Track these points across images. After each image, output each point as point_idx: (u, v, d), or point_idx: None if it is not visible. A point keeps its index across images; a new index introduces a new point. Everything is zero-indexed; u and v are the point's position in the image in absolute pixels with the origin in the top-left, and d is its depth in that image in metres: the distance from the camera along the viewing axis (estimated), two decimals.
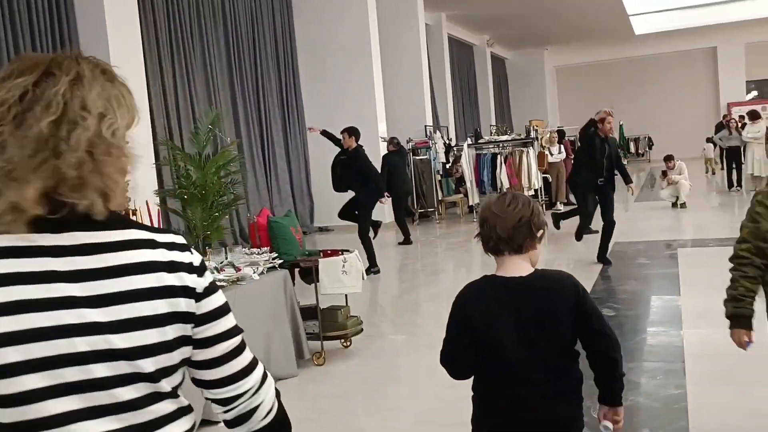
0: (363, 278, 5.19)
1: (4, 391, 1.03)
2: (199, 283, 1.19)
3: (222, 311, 1.23)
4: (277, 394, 1.31)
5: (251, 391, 1.25)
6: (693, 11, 22.12)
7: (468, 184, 13.69)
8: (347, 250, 5.24)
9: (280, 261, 4.93)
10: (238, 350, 1.24)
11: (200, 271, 1.20)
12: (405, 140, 14.42)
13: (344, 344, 5.33)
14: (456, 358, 2.17)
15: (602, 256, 8.13)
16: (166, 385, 1.15)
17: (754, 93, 28.65)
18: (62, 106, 1.06)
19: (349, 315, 5.29)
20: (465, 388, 4.44)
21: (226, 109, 11.27)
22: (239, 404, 1.24)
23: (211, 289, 1.21)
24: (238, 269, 4.57)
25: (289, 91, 13.25)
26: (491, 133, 17.78)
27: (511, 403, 2.05)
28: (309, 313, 5.10)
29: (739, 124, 15.88)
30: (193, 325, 1.18)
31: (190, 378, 1.24)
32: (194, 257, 1.21)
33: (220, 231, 5.33)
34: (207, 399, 1.26)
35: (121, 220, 1.15)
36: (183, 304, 1.16)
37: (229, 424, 1.27)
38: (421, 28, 15.48)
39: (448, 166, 14.97)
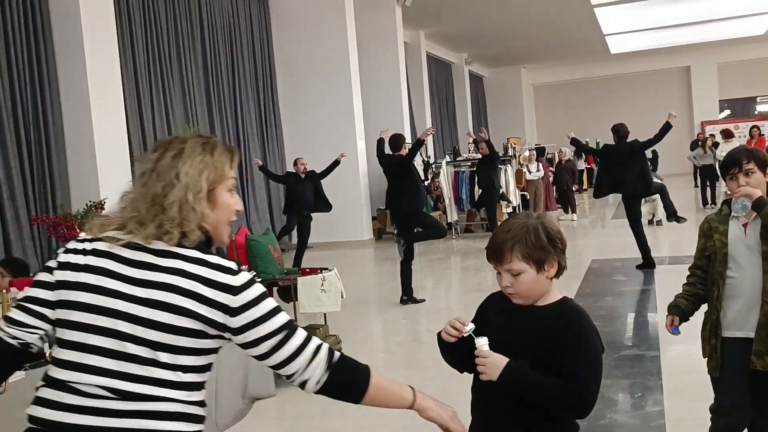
0: (342, 297, 5.17)
1: (68, 338, 1.64)
2: (232, 300, 1.63)
3: (260, 320, 1.66)
4: (338, 361, 1.74)
5: (299, 372, 1.70)
6: (667, 31, 22.50)
7: (446, 202, 13.74)
8: (326, 269, 5.22)
9: (259, 279, 4.90)
10: (279, 346, 1.69)
11: (236, 291, 1.63)
12: None
13: None
14: None
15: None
16: (164, 357, 1.61)
17: (727, 112, 29.15)
18: (165, 175, 1.66)
19: (327, 334, 5.26)
20: None
21: (203, 125, 11.23)
22: (293, 379, 1.72)
23: (247, 306, 1.64)
24: None
25: (268, 108, 13.24)
26: (469, 150, 17.87)
27: None
28: None
29: (712, 143, 16.13)
30: (229, 333, 1.66)
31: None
32: (235, 279, 1.65)
33: None
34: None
35: (196, 248, 1.67)
36: (212, 313, 1.62)
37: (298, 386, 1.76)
38: (399, 46, 15.59)
39: (426, 183, 15.01)
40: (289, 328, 1.71)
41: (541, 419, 1.88)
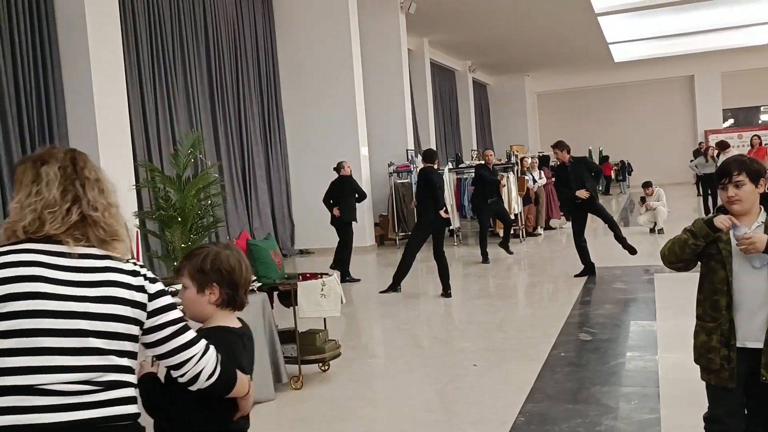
0: (342, 302, 5.20)
1: (18, 346, 1.71)
2: (150, 288, 1.88)
3: (169, 307, 1.90)
4: (227, 366, 1.97)
5: (195, 358, 1.90)
6: (671, 40, 22.56)
7: (449, 209, 13.75)
8: (326, 274, 5.25)
9: (259, 284, 4.94)
10: (181, 331, 1.91)
11: (153, 281, 1.90)
12: (386, 164, 14.52)
13: (322, 368, 5.32)
14: None
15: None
16: (118, 345, 1.81)
17: (731, 121, 29.16)
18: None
19: (327, 339, 5.29)
20: (441, 412, 4.47)
21: (207, 131, 11.28)
22: (188, 368, 1.89)
23: (160, 293, 1.90)
24: None
25: (271, 115, 13.30)
26: (472, 158, 17.91)
27: None
28: (287, 336, 5.10)
29: (716, 152, 16.14)
30: (145, 316, 1.86)
31: (152, 356, 1.96)
32: (148, 272, 1.91)
33: None
34: (166, 368, 1.94)
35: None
36: (139, 297, 1.85)
37: (185, 384, 1.93)
38: (403, 53, 15.65)
39: None
40: (185, 320, 1.96)
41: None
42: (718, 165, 2.99)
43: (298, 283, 5.00)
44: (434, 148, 9.27)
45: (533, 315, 7.16)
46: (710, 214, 2.88)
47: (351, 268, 9.97)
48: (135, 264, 1.91)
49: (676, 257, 2.88)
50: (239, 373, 2.03)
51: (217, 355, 1.95)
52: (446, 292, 8.20)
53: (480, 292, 8.70)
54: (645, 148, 28.38)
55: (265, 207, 12.84)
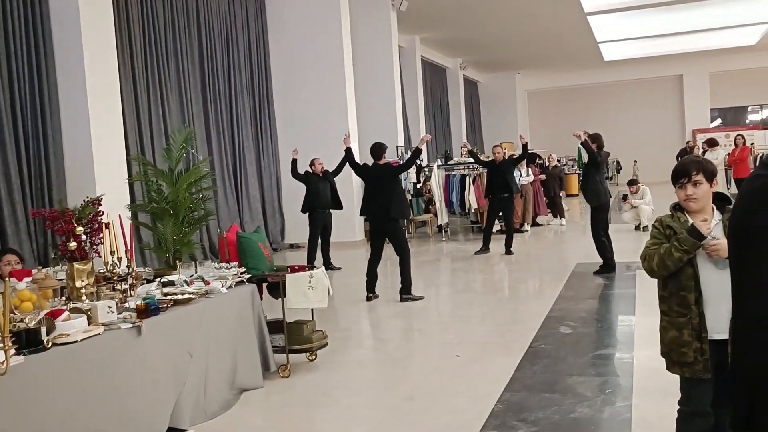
0: (329, 294, 5.35)
1: None
2: None
3: None
4: None
5: None
6: (660, 40, 22.76)
7: (437, 205, 13.94)
8: (314, 266, 5.40)
9: (248, 276, 5.09)
10: None
11: None
12: None
13: (309, 357, 5.48)
14: None
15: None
16: None
17: (718, 121, 29.44)
18: None
19: (314, 329, 5.44)
20: (422, 400, 4.63)
21: (198, 125, 11.40)
22: None
23: None
24: (207, 283, 4.71)
25: (262, 110, 13.42)
26: (462, 154, 18.06)
27: None
28: (275, 326, 5.25)
29: (703, 150, 16.33)
30: None
31: None
32: None
33: (190, 245, 5.45)
34: None
35: None
36: None
37: None
38: (394, 50, 15.78)
39: (419, 186, 15.22)
40: None
41: None
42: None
43: (286, 275, 5.15)
44: (382, 142, 8.37)
45: (516, 309, 7.33)
46: (676, 221, 2.98)
47: (342, 262, 10.14)
48: None
49: (668, 271, 2.97)
50: None
51: None
52: (401, 295, 7.91)
53: (467, 286, 8.87)
54: (634, 147, 28.61)
55: (256, 202, 12.97)
